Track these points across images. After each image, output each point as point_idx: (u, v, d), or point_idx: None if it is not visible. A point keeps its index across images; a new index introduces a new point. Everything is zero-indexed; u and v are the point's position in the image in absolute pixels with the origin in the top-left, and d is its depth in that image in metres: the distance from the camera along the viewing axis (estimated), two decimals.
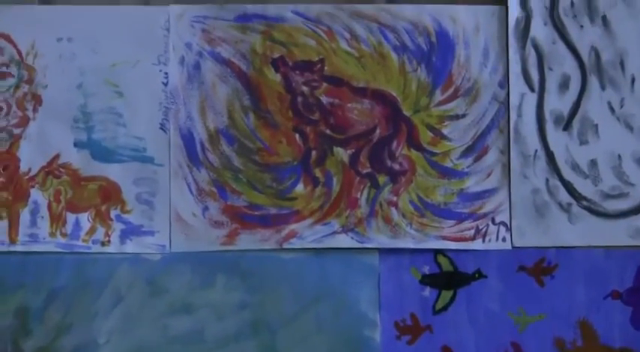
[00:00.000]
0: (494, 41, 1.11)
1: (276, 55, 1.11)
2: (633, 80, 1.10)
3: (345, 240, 1.10)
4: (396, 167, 1.11)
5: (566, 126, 1.10)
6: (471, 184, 1.10)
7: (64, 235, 1.10)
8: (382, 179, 1.11)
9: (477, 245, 1.10)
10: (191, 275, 1.10)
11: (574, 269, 1.10)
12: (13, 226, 1.10)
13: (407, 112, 1.11)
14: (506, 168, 1.10)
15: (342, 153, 1.11)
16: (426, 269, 1.11)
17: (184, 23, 1.10)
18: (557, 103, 1.11)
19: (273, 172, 1.10)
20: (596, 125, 1.10)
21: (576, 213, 1.10)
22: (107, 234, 1.10)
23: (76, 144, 1.10)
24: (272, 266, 1.10)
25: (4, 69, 1.10)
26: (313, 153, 1.11)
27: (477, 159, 1.10)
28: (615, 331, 1.10)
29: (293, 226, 1.10)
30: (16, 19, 1.10)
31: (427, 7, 1.11)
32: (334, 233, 1.10)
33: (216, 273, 1.10)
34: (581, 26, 1.10)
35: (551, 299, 1.10)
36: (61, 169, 1.10)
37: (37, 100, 1.10)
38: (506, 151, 1.10)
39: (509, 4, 1.10)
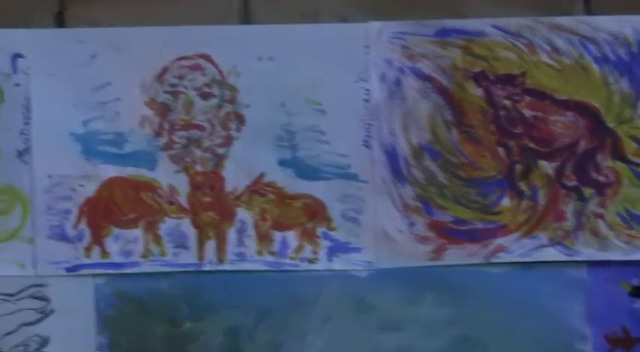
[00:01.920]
0: None
1: (476, 70, 1.10)
2: None
3: (553, 254, 1.10)
4: (602, 179, 1.10)
5: None
6: None
7: (271, 253, 1.10)
8: (587, 191, 1.10)
9: None
10: (399, 291, 1.10)
11: None
12: (221, 245, 1.10)
13: (610, 124, 1.10)
14: None
15: (547, 167, 1.10)
16: (636, 282, 1.10)
17: (384, 40, 1.10)
18: None
19: (478, 187, 1.10)
20: None
21: None
22: (314, 252, 1.10)
23: (280, 163, 1.10)
24: (480, 281, 1.10)
25: (206, 89, 1.11)
26: (518, 166, 1.10)
27: None
28: None
29: (500, 240, 1.10)
30: (216, 40, 1.10)
31: (628, 18, 1.10)
32: (542, 246, 1.10)
33: (424, 289, 1.10)
34: None
35: None
36: (266, 188, 1.10)
37: (240, 120, 1.10)
38: None
39: None
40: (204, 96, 1.11)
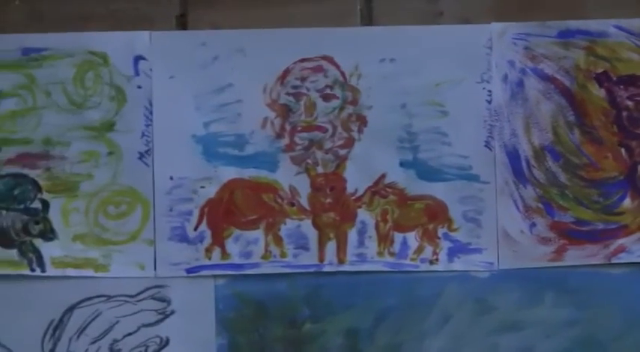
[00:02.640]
0: None
1: (599, 71, 1.11)
2: None
3: None
4: None
5: None
6: None
7: (392, 254, 1.10)
8: None
9: None
10: (519, 292, 1.10)
11: None
12: (342, 246, 1.10)
13: None
14: None
15: None
16: None
17: (506, 41, 1.10)
18: None
19: (600, 187, 1.10)
20: None
21: None
22: (435, 253, 1.10)
23: (401, 164, 1.10)
24: (600, 282, 1.10)
25: (328, 91, 1.11)
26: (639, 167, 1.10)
27: None
28: None
29: (621, 241, 1.10)
30: (339, 41, 1.11)
31: None
32: None
33: (545, 290, 1.10)
34: None
35: None
36: (387, 189, 1.10)
37: (362, 121, 1.11)
38: None
39: None
40: (326, 97, 1.11)
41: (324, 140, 1.11)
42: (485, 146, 1.10)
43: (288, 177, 1.11)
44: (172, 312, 1.10)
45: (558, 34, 1.11)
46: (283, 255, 1.10)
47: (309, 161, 1.11)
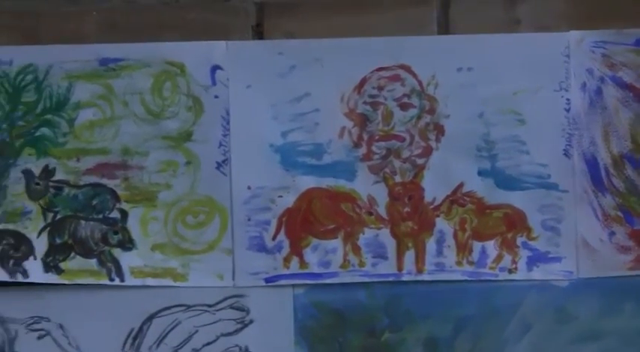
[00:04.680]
0: None
1: None
2: None
3: None
4: None
5: None
6: None
7: (470, 263, 1.10)
8: None
9: None
10: (599, 301, 1.10)
11: None
12: (420, 256, 1.10)
13: None
14: None
15: None
16: None
17: (584, 49, 1.10)
18: None
19: None
20: None
21: None
22: (514, 262, 1.10)
23: (480, 173, 1.10)
24: None
25: (405, 100, 1.11)
26: None
27: None
28: None
29: None
30: (416, 50, 1.10)
31: None
32: None
33: (624, 299, 1.10)
34: None
35: None
36: (465, 198, 1.10)
37: (440, 130, 1.10)
38: None
39: None
40: (404, 106, 1.11)
41: (402, 149, 1.11)
42: (564, 154, 1.10)
43: (366, 186, 1.11)
44: (251, 321, 1.11)
45: (635, 42, 1.10)
46: (362, 264, 1.10)
47: (387, 170, 1.11)
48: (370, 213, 1.11)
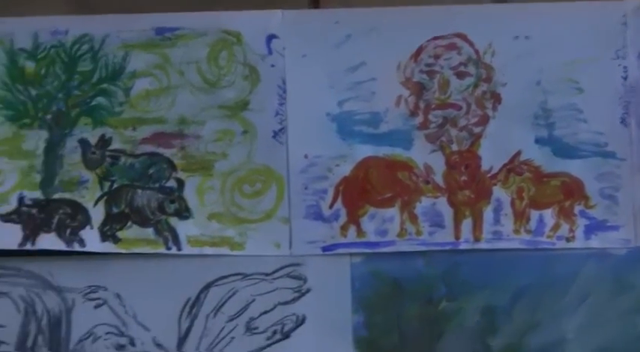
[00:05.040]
0: None
1: None
2: None
3: None
4: None
5: None
6: None
7: (528, 232, 1.10)
8: None
9: None
10: None
11: None
12: (477, 224, 1.10)
13: None
14: None
15: None
16: None
17: None
18: None
19: None
20: None
21: None
22: (571, 230, 1.10)
23: (537, 141, 1.10)
24: None
25: (462, 68, 1.11)
26: None
27: None
28: None
29: None
30: (472, 19, 1.10)
31: None
32: None
33: None
34: None
35: None
36: (522, 166, 1.10)
37: (497, 99, 1.10)
38: None
39: None
40: (460, 75, 1.11)
41: (459, 118, 1.11)
42: (621, 123, 1.10)
43: (422, 155, 1.10)
44: (308, 290, 1.10)
45: None
46: (419, 233, 1.10)
47: (444, 139, 1.11)
48: (427, 182, 1.10)
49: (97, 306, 1.11)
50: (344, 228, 1.10)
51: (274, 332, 1.10)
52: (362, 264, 1.10)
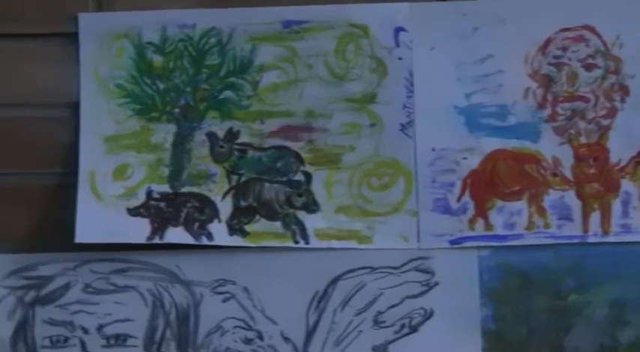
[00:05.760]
0: None
1: None
2: None
3: None
4: None
5: None
6: None
7: None
8: None
9: None
10: None
11: None
12: (605, 217, 1.10)
13: None
14: None
15: None
16: None
17: None
18: None
19: None
20: None
21: None
22: None
23: None
24: None
25: (590, 60, 1.10)
26: None
27: None
28: None
29: None
30: (600, 11, 1.10)
31: None
32: None
33: None
34: None
35: None
36: None
37: (625, 91, 1.10)
38: None
39: None
40: (588, 67, 1.10)
41: (587, 110, 1.10)
42: None
43: (550, 147, 1.10)
44: (436, 284, 1.10)
45: None
46: (547, 225, 1.10)
47: (572, 131, 1.10)
48: (555, 175, 1.10)
49: (225, 300, 1.11)
50: (472, 221, 1.10)
51: (402, 326, 1.10)
52: (490, 256, 1.10)
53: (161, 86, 1.11)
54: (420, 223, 1.10)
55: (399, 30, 1.10)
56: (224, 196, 1.11)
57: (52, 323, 1.10)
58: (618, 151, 1.10)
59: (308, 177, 1.11)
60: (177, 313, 1.10)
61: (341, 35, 1.11)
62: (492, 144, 1.10)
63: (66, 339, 1.10)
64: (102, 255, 1.11)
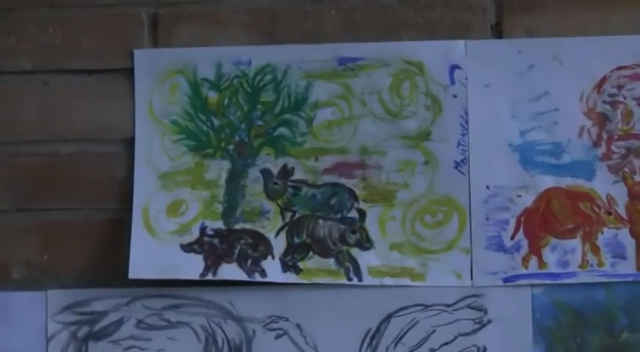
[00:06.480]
0: None
1: None
2: None
3: None
4: None
5: None
6: None
7: None
8: None
9: None
10: None
11: None
12: None
13: None
14: None
15: None
16: None
17: None
18: None
19: None
20: None
21: None
22: None
23: None
24: None
25: None
26: None
27: None
28: None
29: None
30: None
31: None
32: None
33: None
34: None
35: None
36: None
37: None
38: None
39: None
40: None
41: None
42: None
43: (605, 185, 1.10)
44: (489, 321, 1.10)
45: None
46: (601, 264, 1.10)
47: (627, 169, 1.10)
48: (609, 213, 1.10)
49: (277, 337, 1.11)
50: (525, 259, 1.10)
51: None
52: (543, 294, 1.10)
53: (216, 122, 1.11)
54: (474, 261, 1.10)
55: (454, 67, 1.10)
56: (278, 233, 1.11)
57: None
58: None
59: (362, 214, 1.11)
60: (229, 349, 1.11)
61: (396, 72, 1.11)
62: (547, 181, 1.10)
63: None
64: (155, 291, 1.11)
